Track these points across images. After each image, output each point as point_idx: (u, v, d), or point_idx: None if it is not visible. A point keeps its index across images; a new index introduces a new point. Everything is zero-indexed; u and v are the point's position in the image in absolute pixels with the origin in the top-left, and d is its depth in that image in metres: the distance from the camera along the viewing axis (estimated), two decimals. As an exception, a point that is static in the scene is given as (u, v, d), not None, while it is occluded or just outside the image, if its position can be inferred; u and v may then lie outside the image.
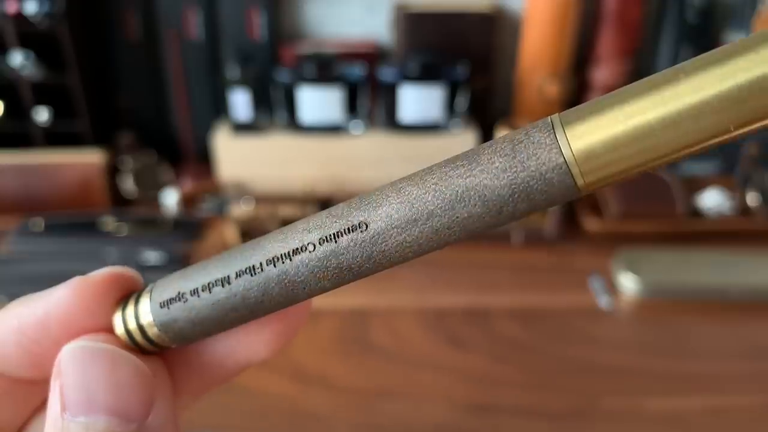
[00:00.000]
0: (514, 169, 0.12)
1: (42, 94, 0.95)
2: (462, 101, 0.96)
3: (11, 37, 0.90)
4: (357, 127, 0.97)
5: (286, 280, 0.14)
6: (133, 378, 0.13)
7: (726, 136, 0.12)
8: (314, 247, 0.14)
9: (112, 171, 0.95)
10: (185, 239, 0.85)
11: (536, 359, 0.65)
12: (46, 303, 0.16)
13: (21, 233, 0.85)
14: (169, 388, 0.15)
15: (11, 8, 0.88)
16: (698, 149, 0.12)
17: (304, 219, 0.15)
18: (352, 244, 0.14)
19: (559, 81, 1.02)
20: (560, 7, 0.99)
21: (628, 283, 0.75)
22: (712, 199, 0.88)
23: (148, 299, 0.16)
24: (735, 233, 0.86)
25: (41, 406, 0.17)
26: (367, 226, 0.13)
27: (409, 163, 0.96)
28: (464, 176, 0.12)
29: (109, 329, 0.16)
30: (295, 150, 0.97)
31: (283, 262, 0.14)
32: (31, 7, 0.88)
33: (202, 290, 0.15)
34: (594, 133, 0.12)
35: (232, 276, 0.14)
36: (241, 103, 0.95)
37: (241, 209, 0.89)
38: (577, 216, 0.90)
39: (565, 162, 0.12)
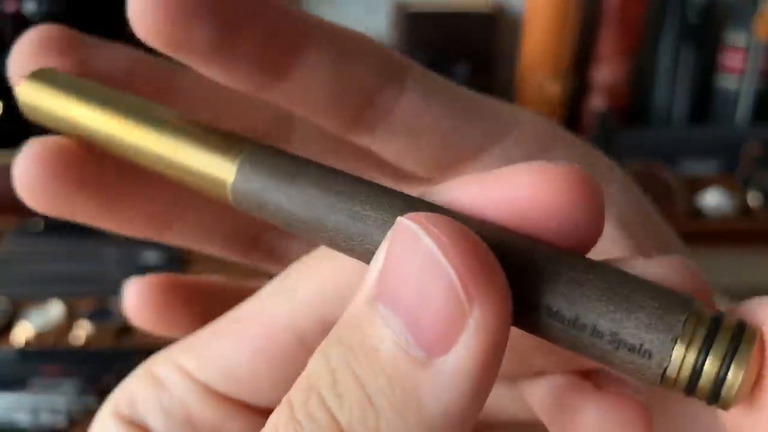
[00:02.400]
0: None
1: (41, 93, 0.95)
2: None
3: (10, 37, 0.90)
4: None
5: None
6: (441, 295, 0.10)
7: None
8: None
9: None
10: (185, 239, 0.85)
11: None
12: None
13: (21, 233, 0.85)
14: (494, 353, 0.10)
15: (10, 8, 0.88)
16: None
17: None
18: None
19: (559, 80, 1.02)
20: (561, 6, 0.99)
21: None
22: (714, 199, 0.88)
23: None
24: (736, 233, 0.86)
25: None
26: None
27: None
28: None
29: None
30: (295, 150, 0.97)
31: None
32: (30, 7, 0.88)
33: None
34: None
35: None
36: (240, 102, 0.95)
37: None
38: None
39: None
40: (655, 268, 0.11)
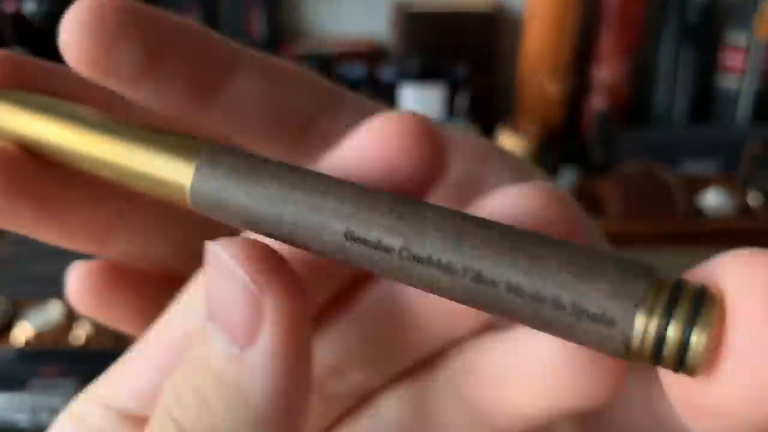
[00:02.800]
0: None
1: (41, 93, 0.95)
2: (462, 101, 0.96)
3: (10, 36, 0.90)
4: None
5: None
6: (240, 295, 0.12)
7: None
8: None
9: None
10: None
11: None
12: None
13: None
14: (295, 334, 0.12)
15: (10, 7, 0.88)
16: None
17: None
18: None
19: (559, 80, 1.02)
20: (561, 6, 0.98)
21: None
22: (714, 199, 0.88)
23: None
24: (736, 233, 0.86)
25: None
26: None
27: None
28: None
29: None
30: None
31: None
32: (30, 7, 0.88)
33: None
34: None
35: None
36: (240, 102, 0.95)
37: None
38: (578, 216, 0.89)
39: None
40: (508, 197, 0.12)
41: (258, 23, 1.01)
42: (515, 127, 0.99)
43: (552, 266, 0.10)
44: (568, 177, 0.95)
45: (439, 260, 0.11)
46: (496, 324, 0.13)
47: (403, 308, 0.13)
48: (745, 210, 0.90)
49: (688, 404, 0.10)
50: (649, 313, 0.10)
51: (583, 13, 1.02)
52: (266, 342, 0.11)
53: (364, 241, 0.11)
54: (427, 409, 0.14)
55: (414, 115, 0.13)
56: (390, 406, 0.15)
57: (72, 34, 0.13)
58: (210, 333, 0.12)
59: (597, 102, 1.02)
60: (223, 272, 0.12)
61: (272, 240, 0.12)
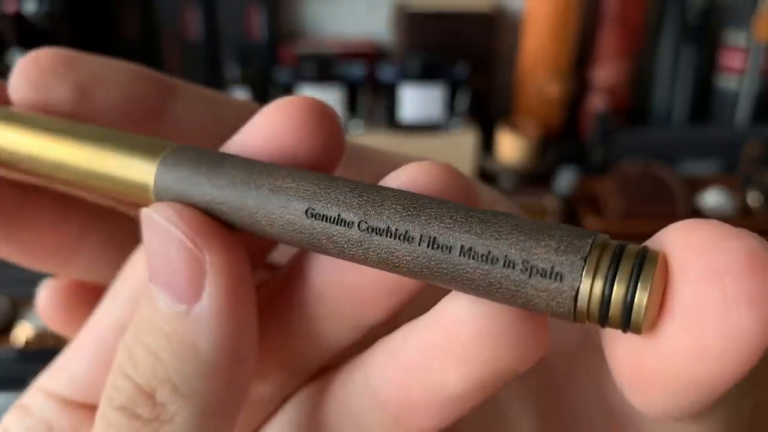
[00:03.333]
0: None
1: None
2: (462, 101, 0.96)
3: (11, 37, 0.90)
4: (357, 126, 0.97)
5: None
6: (181, 255, 0.12)
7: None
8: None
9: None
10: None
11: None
12: None
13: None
14: (237, 287, 0.12)
15: (11, 8, 0.88)
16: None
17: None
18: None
19: (559, 81, 1.02)
20: (561, 7, 0.99)
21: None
22: (714, 199, 0.88)
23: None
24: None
25: None
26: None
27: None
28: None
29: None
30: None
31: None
32: (30, 7, 0.88)
33: None
34: None
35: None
36: (240, 102, 0.95)
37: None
38: (578, 216, 0.89)
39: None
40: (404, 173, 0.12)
41: (258, 23, 1.01)
42: (515, 127, 0.99)
43: (504, 228, 0.10)
44: (567, 177, 0.95)
45: (396, 230, 0.11)
46: (402, 314, 0.13)
47: (315, 297, 0.13)
48: (744, 210, 0.90)
49: (632, 371, 0.10)
50: (595, 271, 0.10)
51: (583, 13, 1.02)
52: (210, 298, 0.12)
53: (325, 218, 0.11)
54: (340, 411, 0.14)
55: (311, 98, 0.13)
56: (297, 410, 0.15)
57: (15, 83, 0.15)
58: (154, 294, 0.13)
59: (597, 102, 1.02)
60: (159, 235, 0.12)
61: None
